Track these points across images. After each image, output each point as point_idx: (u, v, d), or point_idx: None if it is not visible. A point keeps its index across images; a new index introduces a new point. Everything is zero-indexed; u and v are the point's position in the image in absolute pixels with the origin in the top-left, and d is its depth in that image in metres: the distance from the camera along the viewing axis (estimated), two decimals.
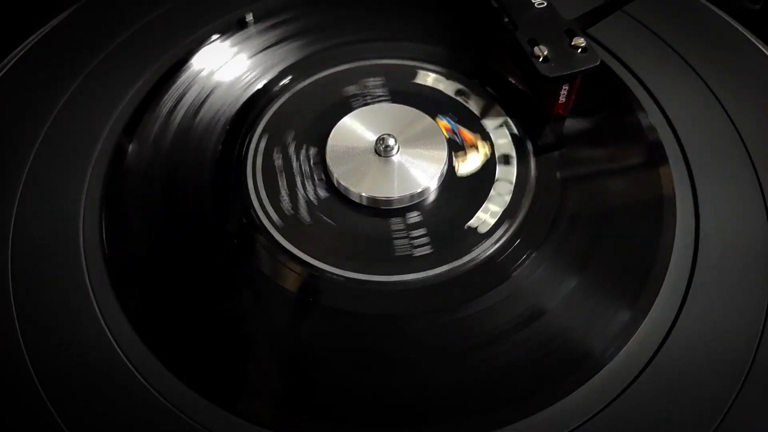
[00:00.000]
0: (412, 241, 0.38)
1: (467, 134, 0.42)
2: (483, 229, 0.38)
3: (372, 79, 0.45)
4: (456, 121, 0.43)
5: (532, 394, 0.33)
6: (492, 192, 0.40)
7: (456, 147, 0.41)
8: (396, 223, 0.39)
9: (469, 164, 0.41)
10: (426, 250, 0.37)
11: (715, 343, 0.34)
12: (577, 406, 0.32)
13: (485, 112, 0.43)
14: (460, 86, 0.44)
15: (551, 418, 0.32)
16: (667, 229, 0.37)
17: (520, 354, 0.34)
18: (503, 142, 0.42)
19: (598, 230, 0.38)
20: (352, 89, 0.44)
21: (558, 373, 0.33)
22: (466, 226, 0.38)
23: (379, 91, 0.44)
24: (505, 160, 0.41)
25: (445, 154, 0.40)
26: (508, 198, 0.39)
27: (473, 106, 0.43)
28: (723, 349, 0.33)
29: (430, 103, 0.43)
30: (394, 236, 0.38)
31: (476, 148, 0.41)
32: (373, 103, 0.43)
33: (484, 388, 0.33)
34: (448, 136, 0.41)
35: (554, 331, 0.34)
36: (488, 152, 0.41)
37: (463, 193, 0.40)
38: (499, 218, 0.39)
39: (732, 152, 0.40)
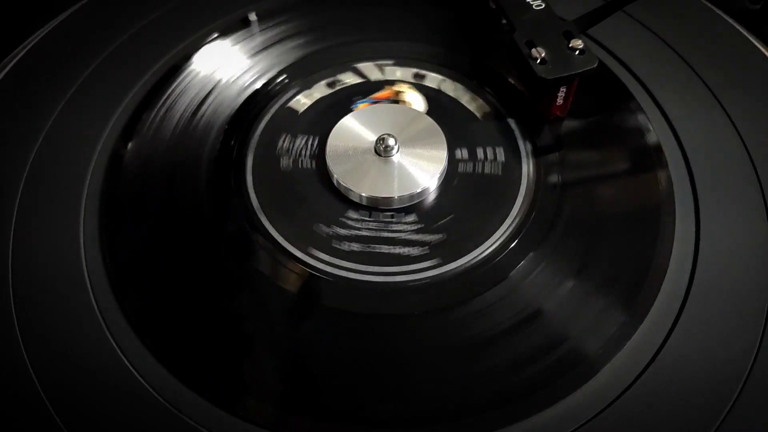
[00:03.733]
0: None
1: (381, 93, 0.43)
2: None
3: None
4: (364, 96, 0.44)
5: (530, 395, 0.33)
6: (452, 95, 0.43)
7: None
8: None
9: (415, 102, 0.43)
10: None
11: (713, 347, 0.34)
12: (576, 407, 0.32)
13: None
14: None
15: (549, 419, 0.32)
16: (667, 231, 0.37)
17: (518, 355, 0.34)
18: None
19: (596, 232, 0.38)
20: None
21: (556, 375, 0.33)
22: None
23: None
24: (420, 77, 0.44)
25: (445, 153, 0.40)
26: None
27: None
28: (722, 354, 0.33)
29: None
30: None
31: (399, 92, 0.43)
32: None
33: (482, 389, 0.33)
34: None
35: (552, 333, 0.35)
36: (408, 86, 0.44)
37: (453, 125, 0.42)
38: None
39: (732, 154, 0.40)
